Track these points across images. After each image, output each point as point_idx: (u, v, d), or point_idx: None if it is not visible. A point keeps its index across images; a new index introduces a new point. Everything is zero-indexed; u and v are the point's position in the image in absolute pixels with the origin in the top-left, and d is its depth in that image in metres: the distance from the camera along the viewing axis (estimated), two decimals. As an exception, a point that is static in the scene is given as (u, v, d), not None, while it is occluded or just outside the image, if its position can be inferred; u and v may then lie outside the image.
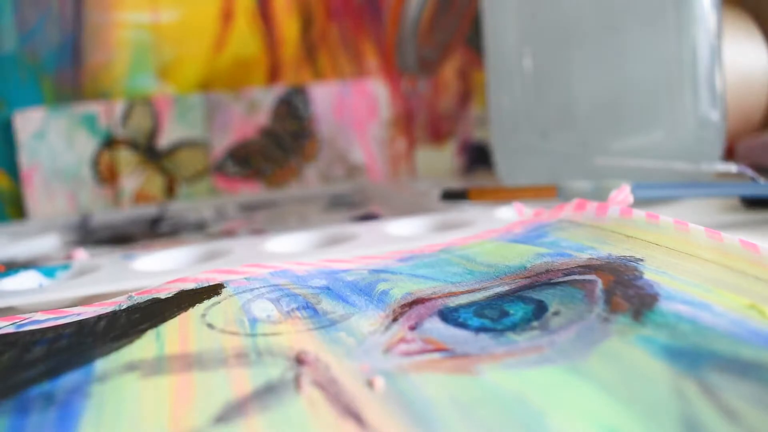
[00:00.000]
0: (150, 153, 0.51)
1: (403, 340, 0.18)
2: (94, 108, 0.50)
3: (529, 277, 0.21)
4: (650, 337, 0.16)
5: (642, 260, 0.21)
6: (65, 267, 0.30)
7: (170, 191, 0.52)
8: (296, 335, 0.18)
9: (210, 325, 0.20)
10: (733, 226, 0.30)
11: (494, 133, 0.42)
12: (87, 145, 0.50)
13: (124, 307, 0.22)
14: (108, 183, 0.51)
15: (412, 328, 0.18)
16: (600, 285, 0.19)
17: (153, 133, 0.51)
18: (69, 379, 0.17)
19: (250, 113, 0.53)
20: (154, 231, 0.43)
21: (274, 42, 0.54)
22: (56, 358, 0.18)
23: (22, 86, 0.50)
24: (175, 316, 0.21)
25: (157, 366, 0.17)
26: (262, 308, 0.21)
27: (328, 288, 0.22)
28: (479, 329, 0.18)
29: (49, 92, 0.50)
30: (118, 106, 0.51)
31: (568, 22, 0.37)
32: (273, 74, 0.54)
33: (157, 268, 0.29)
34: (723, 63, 0.39)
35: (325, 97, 0.54)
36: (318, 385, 0.15)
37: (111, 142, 0.51)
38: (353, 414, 0.14)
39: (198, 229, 0.42)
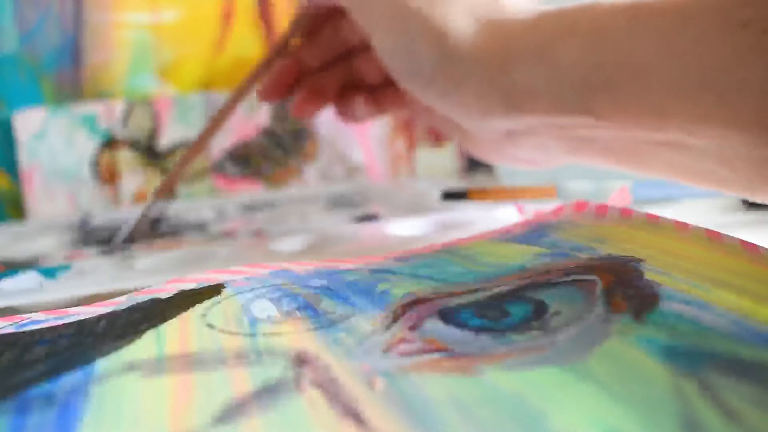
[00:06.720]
0: (150, 153, 0.51)
1: (403, 340, 0.18)
2: (94, 108, 0.50)
3: (529, 277, 0.21)
4: (650, 337, 0.16)
5: (642, 260, 0.21)
6: (65, 267, 0.30)
7: (170, 191, 0.52)
8: (296, 335, 0.18)
9: (210, 325, 0.20)
10: (733, 226, 0.30)
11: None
12: (87, 145, 0.50)
13: (124, 307, 0.22)
14: (108, 183, 0.51)
15: (413, 328, 0.18)
16: (600, 285, 0.19)
17: (153, 134, 0.51)
18: (69, 379, 0.17)
19: (250, 113, 0.53)
20: (155, 231, 0.43)
21: (275, 42, 0.54)
22: (56, 358, 0.18)
23: (22, 86, 0.50)
24: (175, 316, 0.21)
25: (157, 366, 0.17)
26: (263, 308, 0.21)
27: (328, 288, 0.22)
28: (479, 329, 0.18)
29: (49, 92, 0.50)
30: (118, 106, 0.50)
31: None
32: (273, 74, 0.54)
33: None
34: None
35: (325, 97, 0.54)
36: (318, 385, 0.15)
37: (111, 142, 0.51)
38: (353, 414, 0.14)
39: (198, 229, 0.42)
